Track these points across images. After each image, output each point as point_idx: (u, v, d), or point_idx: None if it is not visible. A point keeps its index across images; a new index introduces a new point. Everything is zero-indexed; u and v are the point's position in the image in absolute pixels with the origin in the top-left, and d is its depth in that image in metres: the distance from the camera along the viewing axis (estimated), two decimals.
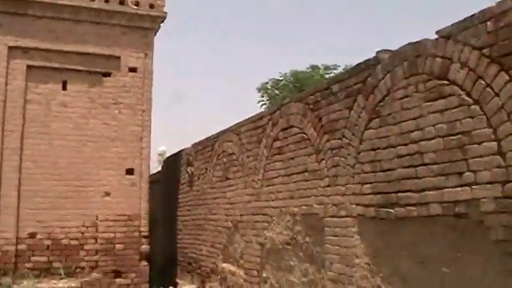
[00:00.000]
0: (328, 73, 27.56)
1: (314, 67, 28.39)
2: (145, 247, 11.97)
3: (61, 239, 11.68)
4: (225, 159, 11.18)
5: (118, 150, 12.02)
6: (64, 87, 12.12)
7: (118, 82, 12.23)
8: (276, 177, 8.81)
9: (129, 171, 12.07)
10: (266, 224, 9.08)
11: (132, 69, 12.28)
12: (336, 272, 6.92)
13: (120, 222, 11.88)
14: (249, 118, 10.66)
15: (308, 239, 7.80)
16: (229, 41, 63.06)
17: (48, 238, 11.64)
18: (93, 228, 11.76)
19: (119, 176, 11.97)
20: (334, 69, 27.75)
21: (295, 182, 8.15)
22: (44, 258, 11.57)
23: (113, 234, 11.84)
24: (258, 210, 9.42)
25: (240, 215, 10.21)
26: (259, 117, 9.70)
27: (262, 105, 28.20)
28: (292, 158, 8.30)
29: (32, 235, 11.58)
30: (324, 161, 7.34)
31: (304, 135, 7.95)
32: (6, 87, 11.70)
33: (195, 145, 13.34)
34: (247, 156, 9.99)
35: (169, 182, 15.51)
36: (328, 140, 7.28)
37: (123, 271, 11.71)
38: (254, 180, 9.61)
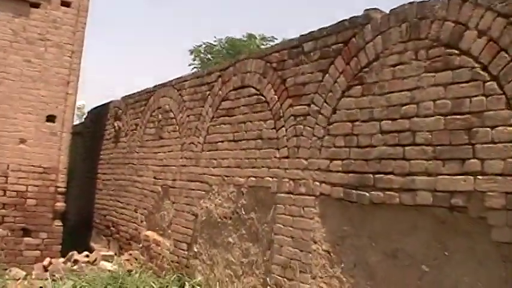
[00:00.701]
0: (263, 44, 27.21)
1: (251, 36, 27.92)
2: (61, 205, 10.78)
3: None
4: (160, 116, 10.15)
5: (40, 93, 10.69)
6: None
7: (48, 16, 10.84)
8: (221, 141, 7.90)
9: (50, 118, 10.78)
10: (203, 192, 8.19)
11: (65, 3, 10.90)
12: (287, 257, 6.13)
13: (35, 174, 10.61)
14: (194, 73, 9.65)
15: (253, 215, 6.97)
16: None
17: None
18: (2, 179, 10.45)
19: (38, 122, 10.67)
20: (271, 41, 27.51)
21: (245, 149, 7.27)
22: None
23: (24, 187, 10.57)
24: (194, 177, 8.50)
25: (173, 180, 9.27)
26: (208, 72, 8.71)
27: (193, 68, 27.61)
28: (244, 122, 7.40)
29: None
30: (284, 129, 6.49)
31: (262, 98, 7.06)
32: None
33: (125, 98, 12.18)
34: (188, 115, 9.02)
35: (91, 135, 14.28)
36: (291, 105, 6.41)
37: (33, 230, 10.48)
38: (193, 143, 8.66)
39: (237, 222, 7.27)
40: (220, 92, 8.08)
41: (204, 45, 28.50)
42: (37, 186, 10.65)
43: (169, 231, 9.13)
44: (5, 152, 10.53)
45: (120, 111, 12.15)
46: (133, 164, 11.08)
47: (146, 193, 10.30)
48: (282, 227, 6.27)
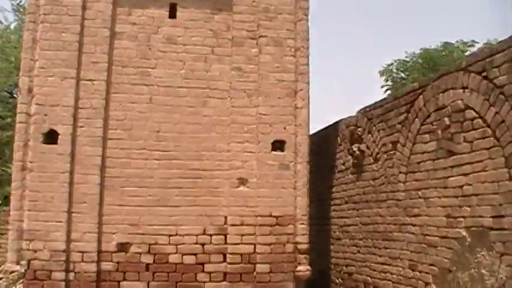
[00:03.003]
0: (465, 50, 23.28)
1: (447, 44, 24.02)
2: (304, 270, 7.58)
3: (169, 253, 7.49)
4: (446, 121, 6.58)
5: (258, 111, 7.70)
6: (172, 14, 8.01)
7: (256, 5, 7.92)
8: None
9: (278, 146, 7.72)
10: None
11: None
12: None
13: (264, 228, 7.56)
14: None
15: None
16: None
17: (149, 252, 7.49)
18: (219, 238, 7.53)
19: (261, 152, 7.65)
20: (471, 46, 23.52)
21: None
22: (142, 285, 7.38)
23: (251, 248, 7.55)
24: None
25: (495, 216, 5.62)
26: None
27: (387, 90, 24.25)
28: None
29: (124, 247, 7.51)
30: None
31: None
32: (84, 14, 7.70)
33: (365, 111, 8.79)
34: None
35: (313, 169, 10.97)
36: None
37: None
38: None
39: None
40: None
41: (395, 63, 25.14)
42: (268, 244, 7.61)
43: None
44: (219, 200, 7.59)
45: (360, 129, 8.78)
46: (396, 199, 7.59)
47: (432, 241, 6.73)
48: None
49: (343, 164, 9.51)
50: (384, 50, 49.10)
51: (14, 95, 18.93)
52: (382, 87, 25.30)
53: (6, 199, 17.60)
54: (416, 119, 7.27)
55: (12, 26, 20.58)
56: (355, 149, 8.88)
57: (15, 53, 18.14)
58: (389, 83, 25.12)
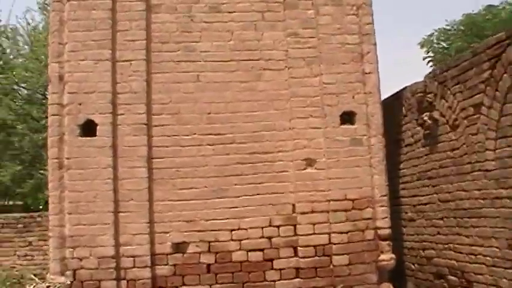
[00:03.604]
0: None
1: (491, 7, 22.63)
2: (388, 258, 6.59)
3: (231, 251, 6.52)
4: None
5: (322, 81, 6.66)
6: None
7: None
8: None
9: (347, 118, 6.66)
10: None
11: None
12: None
13: (338, 213, 6.51)
14: None
15: None
16: None
17: (209, 251, 6.52)
18: (288, 229, 6.54)
19: (329, 127, 6.60)
20: None
21: None
22: None
23: (325, 238, 6.52)
24: None
25: None
26: None
27: (429, 61, 22.93)
28: None
29: (180, 248, 6.53)
30: None
31: None
32: None
33: (435, 74, 7.75)
34: None
35: None
36: None
37: None
38: None
39: None
40: None
41: (436, 33, 23.90)
42: (345, 232, 6.54)
43: None
44: (285, 186, 6.60)
45: (430, 95, 7.73)
46: (485, 170, 6.55)
47: None
48: None
49: (412, 137, 8.43)
50: (421, 23, 47.69)
51: (47, 96, 18.51)
52: (424, 59, 24.07)
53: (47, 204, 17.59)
54: (505, 75, 6.21)
55: (40, 26, 20.07)
56: (426, 118, 7.79)
57: (46, 51, 17.75)
58: (430, 54, 23.95)
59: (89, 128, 6.46)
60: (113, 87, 6.53)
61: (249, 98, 6.70)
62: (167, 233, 6.49)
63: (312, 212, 6.53)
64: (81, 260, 6.31)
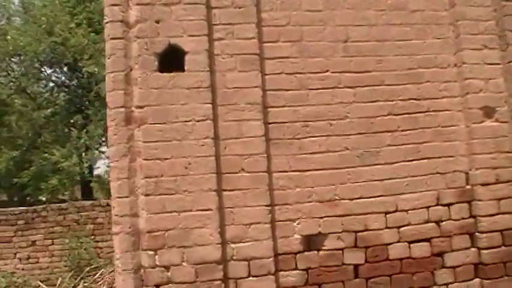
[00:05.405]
0: None
1: None
2: None
3: (387, 244, 4.33)
4: None
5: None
6: None
7: None
8: None
9: None
10: None
11: None
12: None
13: None
14: None
15: None
16: None
17: (355, 246, 4.27)
18: (462, 207, 4.42)
19: None
20: None
21: None
22: None
23: None
24: None
25: None
26: None
27: None
28: None
29: (314, 243, 4.23)
30: None
31: None
32: None
33: None
34: None
35: None
36: None
37: None
38: None
39: None
40: None
41: None
42: None
43: None
44: (454, 146, 4.49)
45: None
46: None
47: None
48: None
49: None
50: None
51: (45, 67, 16.38)
52: None
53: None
54: None
55: None
56: None
57: (47, 12, 14.89)
58: None
59: (173, 59, 4.09)
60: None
61: (399, 20, 4.48)
62: (294, 221, 4.21)
63: (496, 182, 4.40)
64: (167, 269, 3.90)
